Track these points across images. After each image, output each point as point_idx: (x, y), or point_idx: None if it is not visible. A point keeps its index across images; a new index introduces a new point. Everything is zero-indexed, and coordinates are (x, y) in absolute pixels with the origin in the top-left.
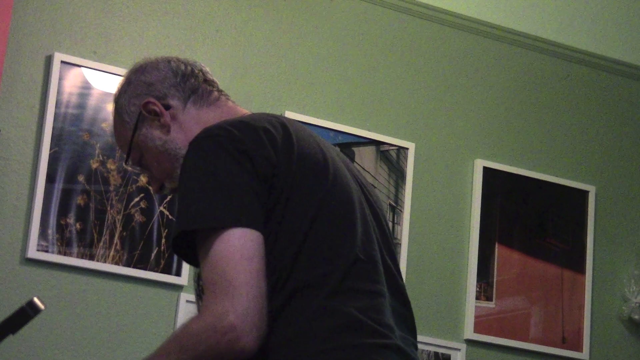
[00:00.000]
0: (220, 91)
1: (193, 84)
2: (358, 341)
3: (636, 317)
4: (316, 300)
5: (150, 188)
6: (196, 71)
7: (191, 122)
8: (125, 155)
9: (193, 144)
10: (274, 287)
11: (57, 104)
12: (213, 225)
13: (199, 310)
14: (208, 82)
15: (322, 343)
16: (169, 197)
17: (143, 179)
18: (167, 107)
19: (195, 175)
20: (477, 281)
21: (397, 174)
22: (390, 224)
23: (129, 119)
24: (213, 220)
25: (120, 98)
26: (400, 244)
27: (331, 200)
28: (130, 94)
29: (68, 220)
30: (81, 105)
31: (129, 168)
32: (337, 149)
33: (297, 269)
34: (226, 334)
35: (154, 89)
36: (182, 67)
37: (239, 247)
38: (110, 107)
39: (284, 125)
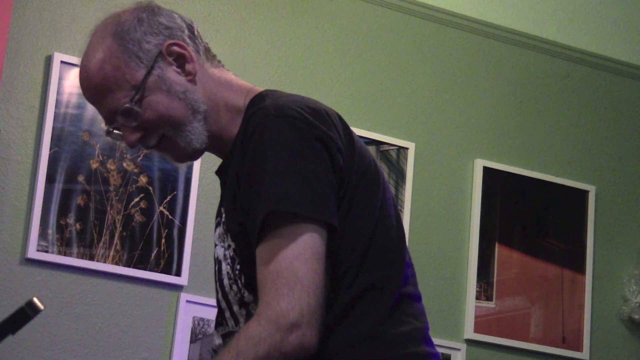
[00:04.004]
0: (218, 59)
1: (203, 42)
2: (422, 349)
3: (636, 317)
4: (382, 304)
5: (126, 140)
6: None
7: (208, 79)
8: (126, 97)
9: (268, 121)
10: (339, 286)
11: (57, 104)
12: (301, 212)
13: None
14: (206, 45)
15: (393, 349)
16: (169, 197)
17: (143, 179)
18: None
19: (276, 156)
20: (477, 281)
21: (397, 173)
22: None
23: (143, 56)
24: (301, 207)
25: (129, 32)
26: None
27: (386, 201)
28: (145, 30)
29: (68, 220)
30: (81, 105)
31: (123, 116)
32: None
33: (364, 270)
34: (292, 332)
35: (173, 33)
36: (191, 24)
37: (311, 245)
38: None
39: (339, 115)
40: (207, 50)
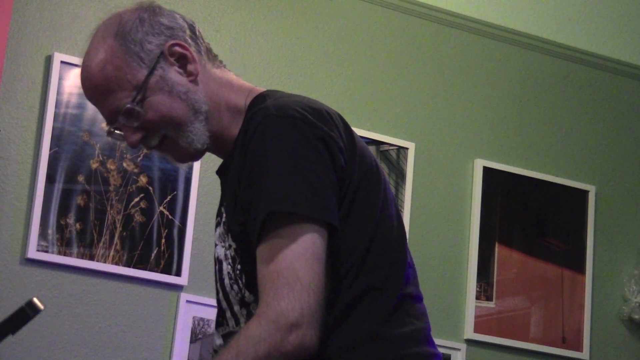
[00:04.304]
0: (219, 59)
1: (205, 42)
2: (424, 350)
3: (636, 316)
4: (383, 304)
5: (127, 140)
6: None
7: (210, 79)
8: (127, 98)
9: (269, 121)
10: (340, 287)
11: (57, 104)
12: (301, 212)
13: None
14: (208, 45)
15: (395, 349)
16: (169, 197)
17: (143, 179)
18: None
19: (276, 156)
20: (477, 281)
21: (397, 173)
22: None
23: (145, 56)
24: (301, 207)
25: (130, 32)
26: None
27: (387, 201)
28: (147, 31)
29: (68, 220)
30: (81, 105)
31: (125, 116)
32: None
33: (365, 270)
34: (292, 332)
35: (174, 33)
36: (192, 25)
37: (312, 245)
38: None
39: (340, 115)
40: (209, 50)
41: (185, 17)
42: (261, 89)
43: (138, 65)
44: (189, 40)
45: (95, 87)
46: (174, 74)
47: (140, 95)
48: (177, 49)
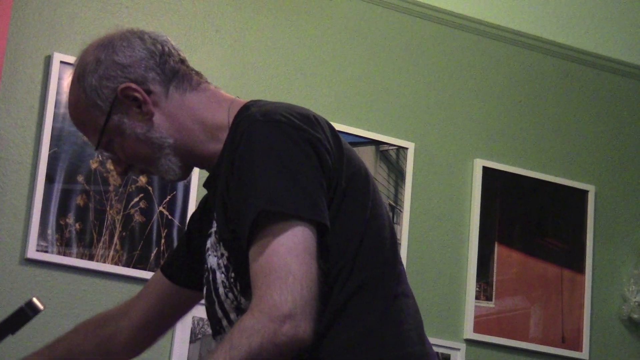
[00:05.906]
0: (198, 73)
1: (172, 66)
2: (420, 349)
3: (636, 316)
4: (378, 304)
5: (114, 170)
6: (171, 49)
7: (176, 109)
8: (95, 140)
9: (255, 126)
10: (334, 287)
11: (57, 104)
12: (291, 211)
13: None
14: (183, 61)
15: (393, 349)
16: (169, 197)
17: (142, 179)
18: (148, 93)
19: (264, 158)
20: (477, 281)
21: (397, 174)
22: None
23: (101, 103)
24: (291, 206)
25: (87, 77)
26: (400, 244)
27: (377, 202)
28: (102, 74)
29: (67, 220)
30: None
31: (96, 152)
32: None
33: (356, 269)
34: (285, 323)
35: (130, 71)
36: (159, 47)
37: (302, 240)
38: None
39: (327, 121)
40: (177, 71)
41: (149, 40)
42: (243, 100)
43: (96, 111)
44: (146, 74)
45: (75, 125)
46: (132, 115)
47: (104, 139)
48: (129, 92)
